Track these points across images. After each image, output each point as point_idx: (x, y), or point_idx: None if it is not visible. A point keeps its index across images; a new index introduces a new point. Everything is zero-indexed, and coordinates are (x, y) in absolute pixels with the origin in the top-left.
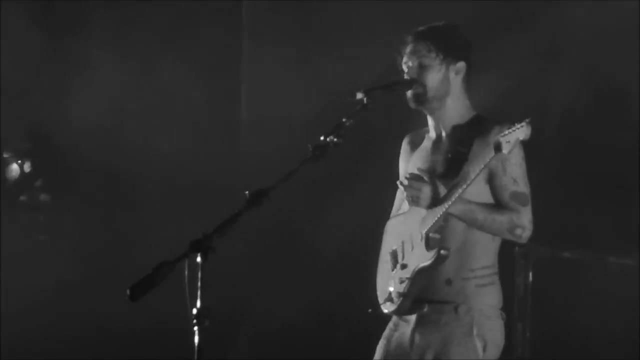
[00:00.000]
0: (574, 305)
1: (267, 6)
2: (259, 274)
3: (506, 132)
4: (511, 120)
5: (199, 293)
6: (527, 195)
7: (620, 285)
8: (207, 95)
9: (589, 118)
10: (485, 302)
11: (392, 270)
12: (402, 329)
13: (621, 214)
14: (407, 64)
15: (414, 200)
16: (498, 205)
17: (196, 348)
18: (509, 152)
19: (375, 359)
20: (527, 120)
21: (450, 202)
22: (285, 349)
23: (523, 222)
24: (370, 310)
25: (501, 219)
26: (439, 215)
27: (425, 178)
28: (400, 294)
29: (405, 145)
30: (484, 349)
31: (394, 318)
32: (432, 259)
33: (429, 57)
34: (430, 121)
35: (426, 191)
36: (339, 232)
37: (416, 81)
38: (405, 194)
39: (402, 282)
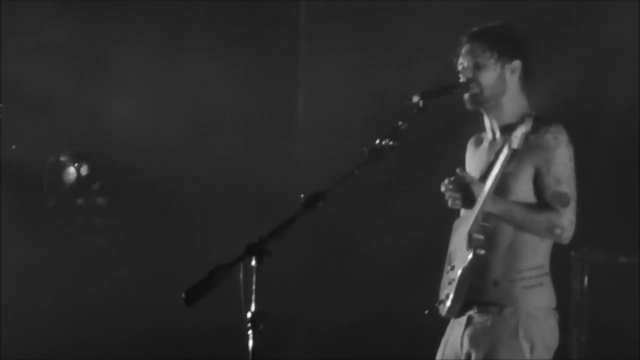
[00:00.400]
0: (629, 310)
1: (324, 10)
2: (314, 278)
3: (516, 127)
4: (557, 120)
5: (253, 297)
6: (569, 196)
7: None
8: (265, 99)
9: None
10: (532, 304)
11: (447, 272)
12: (455, 332)
13: None
14: (462, 65)
15: (451, 203)
16: (539, 204)
17: (251, 352)
18: (519, 146)
19: None
20: (532, 113)
21: (482, 200)
22: (338, 353)
23: (562, 223)
24: (427, 311)
25: (539, 219)
26: (475, 215)
27: (465, 179)
28: (448, 296)
29: (469, 147)
30: (532, 351)
31: (451, 322)
32: (469, 259)
33: (484, 56)
34: (486, 121)
35: (463, 192)
36: (393, 236)
37: (473, 81)
38: (446, 195)
39: (450, 283)
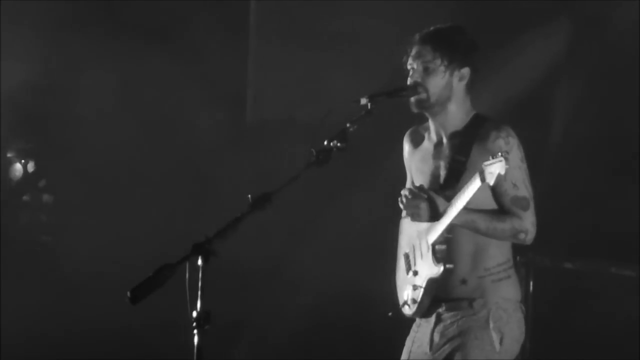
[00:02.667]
0: (574, 315)
1: (274, 10)
2: (261, 279)
3: (488, 162)
4: (505, 123)
5: (199, 296)
6: (528, 199)
7: (620, 297)
8: (212, 98)
9: (593, 127)
10: (501, 296)
11: (407, 274)
12: (423, 329)
13: (622, 225)
14: (411, 66)
15: (413, 217)
16: (500, 210)
17: (196, 351)
18: (493, 184)
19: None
20: (504, 154)
21: (448, 221)
22: (286, 354)
23: (525, 227)
24: (390, 313)
25: (503, 227)
26: (441, 231)
27: (422, 194)
28: (414, 301)
29: (406, 143)
30: (501, 342)
31: (417, 320)
32: (439, 274)
33: (434, 62)
34: (431, 124)
35: (424, 207)
36: (340, 237)
37: (420, 85)
38: (404, 210)
39: (415, 289)
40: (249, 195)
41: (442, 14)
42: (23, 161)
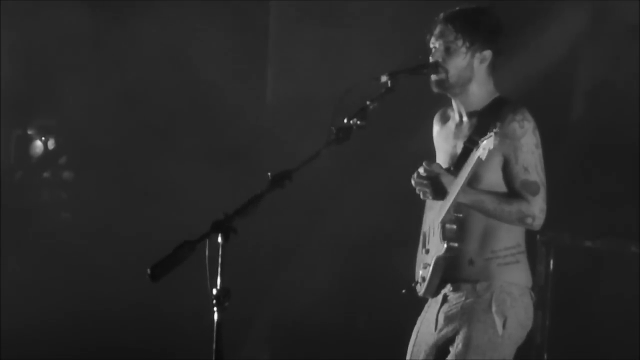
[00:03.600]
0: (594, 294)
1: None
2: (280, 256)
3: (484, 138)
4: (524, 105)
5: (219, 274)
6: (538, 184)
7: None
8: (234, 75)
9: (614, 106)
10: (506, 279)
11: (422, 253)
12: (431, 310)
13: None
14: (434, 45)
15: (425, 195)
16: (509, 193)
17: (215, 328)
18: (485, 159)
19: (410, 340)
20: (495, 130)
21: (452, 197)
22: (304, 332)
23: (533, 212)
24: (404, 290)
25: (510, 209)
26: (448, 207)
27: (435, 170)
28: (424, 279)
29: (435, 123)
30: (504, 325)
31: (429, 300)
32: (443, 252)
33: (455, 42)
34: (453, 104)
35: (435, 184)
36: (362, 215)
37: (440, 65)
38: (416, 188)
39: (425, 267)
40: (269, 173)
41: None
42: (43, 138)
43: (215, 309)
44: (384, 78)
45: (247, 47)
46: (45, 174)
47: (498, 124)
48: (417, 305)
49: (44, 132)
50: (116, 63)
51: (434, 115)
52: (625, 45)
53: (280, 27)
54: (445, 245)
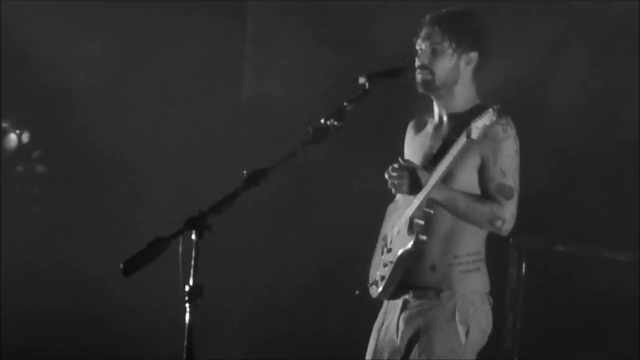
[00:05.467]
0: (565, 298)
1: None
2: (254, 255)
3: (477, 118)
4: (506, 113)
5: (192, 271)
6: (513, 189)
7: (612, 281)
8: (211, 72)
9: (588, 113)
10: (468, 288)
11: (382, 254)
12: (390, 316)
13: (617, 210)
14: (420, 47)
15: (396, 188)
16: (482, 195)
17: (187, 326)
18: (478, 138)
19: (369, 348)
20: (495, 106)
21: (429, 188)
22: (276, 332)
23: (504, 215)
24: (357, 292)
25: (482, 209)
26: (420, 200)
27: (409, 165)
28: (382, 278)
29: (409, 130)
30: (467, 334)
31: (385, 306)
32: (411, 243)
33: (442, 44)
34: (435, 106)
35: (406, 177)
36: (337, 217)
37: (425, 68)
38: (388, 180)
39: (385, 265)
40: (244, 171)
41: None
42: (18, 131)
43: (187, 306)
44: (361, 79)
45: (224, 45)
46: (19, 168)
47: (495, 106)
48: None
49: (18, 125)
50: (89, 56)
51: (408, 123)
52: (601, 51)
53: (258, 27)
54: (413, 238)
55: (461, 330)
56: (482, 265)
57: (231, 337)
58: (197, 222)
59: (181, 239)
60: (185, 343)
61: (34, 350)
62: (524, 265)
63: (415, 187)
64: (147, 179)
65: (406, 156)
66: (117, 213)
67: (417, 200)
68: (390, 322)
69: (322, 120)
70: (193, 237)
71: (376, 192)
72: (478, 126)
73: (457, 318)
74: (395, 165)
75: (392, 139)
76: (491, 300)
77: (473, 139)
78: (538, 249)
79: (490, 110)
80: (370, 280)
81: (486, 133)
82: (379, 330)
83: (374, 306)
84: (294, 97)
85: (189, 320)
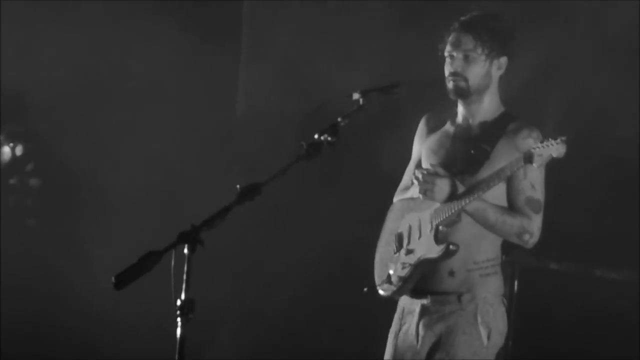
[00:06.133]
0: (557, 316)
1: (268, 2)
2: (246, 270)
3: (540, 145)
4: (541, 129)
5: (184, 285)
6: (541, 203)
7: (604, 299)
8: (205, 86)
9: (585, 128)
10: (488, 290)
11: (395, 253)
12: (408, 322)
13: (612, 228)
14: (451, 54)
15: (427, 194)
16: (510, 207)
17: (178, 339)
18: (539, 166)
19: (386, 354)
20: (563, 138)
21: (469, 200)
22: (268, 345)
23: (532, 229)
24: (365, 289)
25: (512, 222)
26: (453, 211)
27: (441, 173)
28: (400, 278)
29: (422, 126)
30: (489, 337)
31: (400, 312)
32: (440, 253)
33: (475, 51)
34: (462, 109)
35: (441, 186)
36: (327, 230)
37: (459, 74)
38: (418, 186)
39: (404, 267)
40: (238, 186)
41: (435, 10)
42: (12, 144)
43: (178, 320)
44: (356, 95)
45: (218, 58)
46: (12, 181)
47: (511, 136)
48: (380, 318)
49: (12, 138)
50: (82, 67)
51: (422, 118)
52: (600, 61)
53: (253, 41)
54: (443, 248)
55: (483, 333)
56: (499, 269)
57: (222, 351)
58: (189, 236)
59: (174, 252)
60: (177, 357)
61: None
62: (516, 283)
63: (441, 195)
64: (139, 192)
65: (415, 152)
66: (109, 226)
67: (449, 209)
68: (409, 327)
69: (316, 136)
70: (185, 251)
71: (367, 204)
72: (542, 154)
73: (479, 320)
74: (426, 172)
75: (381, 151)
76: (505, 302)
77: (534, 166)
78: (531, 267)
79: (559, 141)
80: (380, 279)
81: (518, 145)
82: (397, 336)
83: (364, 318)
84: (287, 112)
85: (181, 334)
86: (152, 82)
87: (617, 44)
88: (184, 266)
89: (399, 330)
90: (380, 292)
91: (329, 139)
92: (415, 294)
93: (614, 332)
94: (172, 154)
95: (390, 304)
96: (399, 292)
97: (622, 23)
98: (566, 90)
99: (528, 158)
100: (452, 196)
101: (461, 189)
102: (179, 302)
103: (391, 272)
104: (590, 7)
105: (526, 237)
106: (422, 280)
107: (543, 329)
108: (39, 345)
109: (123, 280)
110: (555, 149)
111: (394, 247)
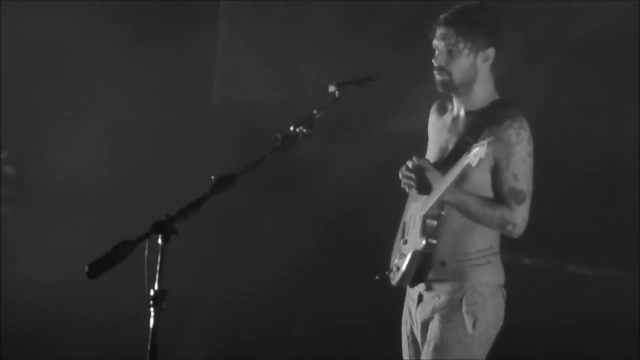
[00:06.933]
0: (528, 311)
1: None
2: (218, 260)
3: (476, 144)
4: (522, 113)
5: (157, 275)
6: (525, 193)
7: (575, 295)
8: (180, 77)
9: (562, 124)
10: (478, 280)
11: (400, 242)
12: (409, 308)
13: (587, 223)
14: (436, 47)
15: (407, 187)
16: (495, 198)
17: (151, 330)
18: (474, 165)
19: (402, 340)
20: (489, 139)
21: (440, 192)
22: (240, 337)
23: (514, 220)
24: (377, 277)
25: (492, 214)
26: (430, 204)
27: (424, 165)
28: (398, 269)
29: (432, 113)
30: (474, 325)
31: (406, 299)
32: (422, 247)
33: (457, 46)
34: (454, 100)
35: (420, 179)
36: (303, 222)
37: (443, 68)
38: (402, 180)
39: (401, 257)
40: (212, 176)
41: (416, 9)
42: None
43: (151, 309)
44: (331, 88)
45: (194, 50)
46: None
47: (495, 128)
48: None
49: None
50: (63, 61)
51: (432, 104)
52: (597, 59)
53: (229, 31)
54: (424, 242)
55: (468, 321)
56: (494, 259)
57: (195, 343)
58: (163, 226)
59: (147, 242)
60: (149, 346)
61: None
62: None
63: (424, 188)
64: (111, 182)
65: (429, 140)
66: (87, 214)
67: (430, 200)
68: (410, 314)
69: (291, 128)
70: (159, 241)
71: (350, 193)
72: (475, 154)
73: (464, 309)
74: (409, 165)
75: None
76: (504, 293)
77: (471, 165)
78: (504, 261)
79: (486, 143)
80: (391, 266)
81: (499, 136)
82: (405, 323)
83: (339, 310)
84: (263, 103)
85: (153, 324)
86: (130, 71)
87: (615, 41)
88: (157, 256)
89: (407, 317)
90: (390, 280)
91: (304, 130)
92: (414, 282)
93: (586, 329)
94: (147, 143)
95: (367, 296)
96: (400, 282)
97: (618, 20)
98: (563, 87)
99: (468, 155)
100: (429, 187)
101: (436, 179)
102: (152, 292)
103: (395, 261)
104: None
105: (509, 227)
106: (420, 269)
107: (513, 324)
108: (8, 331)
109: (97, 269)
110: (480, 150)
111: (399, 236)
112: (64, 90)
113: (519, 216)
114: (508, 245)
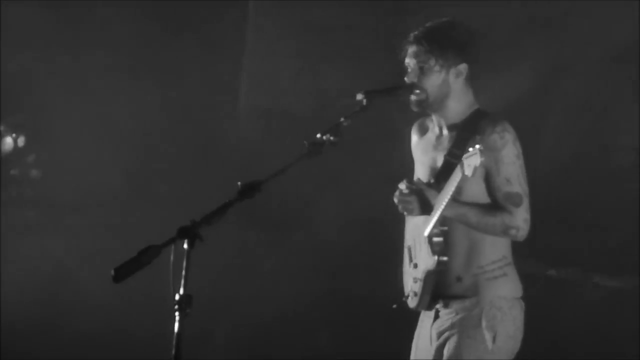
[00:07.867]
0: (554, 322)
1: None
2: (245, 267)
3: (467, 154)
4: (504, 117)
5: (182, 280)
6: (521, 195)
7: (601, 306)
8: (207, 82)
9: (585, 137)
10: (495, 294)
11: (409, 267)
12: (425, 325)
13: (611, 236)
14: (408, 65)
15: (407, 211)
16: (493, 205)
17: (176, 335)
18: (472, 175)
19: (411, 354)
20: (479, 147)
21: (440, 209)
22: (264, 345)
23: (516, 223)
24: (395, 305)
25: (494, 222)
26: (433, 223)
27: (418, 186)
28: (415, 294)
29: (413, 134)
30: (494, 340)
31: (421, 314)
32: (434, 266)
33: (428, 63)
34: (433, 117)
35: (414, 201)
36: (330, 232)
37: (417, 87)
38: (399, 205)
39: (415, 281)
40: (238, 183)
41: (441, 14)
42: (14, 135)
43: (176, 314)
44: (359, 96)
45: (222, 57)
46: (13, 171)
47: (478, 137)
48: (377, 323)
49: (14, 129)
50: (91, 67)
51: (412, 126)
52: (602, 68)
53: (257, 38)
54: (435, 260)
55: (488, 337)
56: (510, 270)
57: (219, 350)
58: (189, 232)
59: (173, 247)
60: (174, 352)
61: (15, 353)
62: None
63: (425, 207)
64: (141, 187)
65: (415, 162)
66: (110, 219)
67: (432, 219)
68: (425, 329)
69: (319, 135)
70: (185, 246)
71: (368, 205)
72: (469, 164)
73: (484, 324)
74: (403, 189)
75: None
76: (523, 305)
77: (467, 175)
78: (529, 272)
79: (478, 151)
80: (406, 291)
81: (485, 144)
82: (418, 338)
83: (361, 322)
84: (290, 111)
85: (178, 329)
86: (157, 78)
87: (619, 51)
88: (182, 262)
89: (420, 332)
90: (409, 305)
91: (332, 138)
92: (432, 302)
93: (609, 339)
94: (174, 150)
95: (387, 310)
96: (420, 306)
97: (623, 30)
98: (567, 97)
99: (462, 168)
100: (429, 207)
101: (434, 197)
102: (177, 297)
103: (410, 286)
104: (591, 14)
105: (513, 232)
106: (436, 285)
107: (539, 334)
108: (32, 335)
109: (122, 273)
110: (474, 158)
111: (407, 261)
112: (87, 97)
113: (520, 218)
114: (535, 256)
